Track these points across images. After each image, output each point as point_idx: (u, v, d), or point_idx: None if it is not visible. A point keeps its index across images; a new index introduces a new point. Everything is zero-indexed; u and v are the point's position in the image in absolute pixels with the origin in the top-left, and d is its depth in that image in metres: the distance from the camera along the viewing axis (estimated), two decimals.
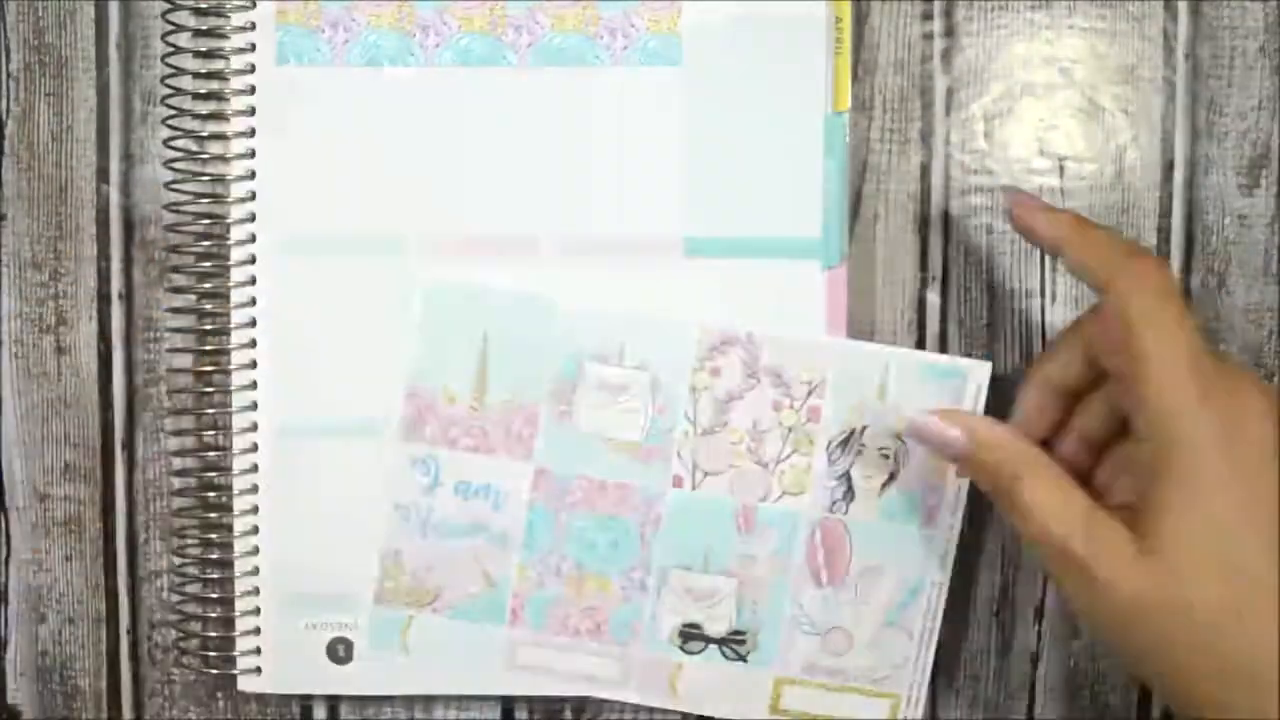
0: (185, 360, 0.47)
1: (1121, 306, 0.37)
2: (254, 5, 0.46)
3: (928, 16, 0.47)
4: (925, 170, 0.47)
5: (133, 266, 0.48)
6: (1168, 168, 0.47)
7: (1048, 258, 0.47)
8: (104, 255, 0.48)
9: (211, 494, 0.47)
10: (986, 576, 0.48)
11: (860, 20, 0.47)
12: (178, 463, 0.48)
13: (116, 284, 0.48)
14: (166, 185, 0.47)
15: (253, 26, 0.46)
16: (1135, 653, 0.37)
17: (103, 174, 0.48)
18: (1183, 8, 0.47)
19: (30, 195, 0.48)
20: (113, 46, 0.48)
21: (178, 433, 0.47)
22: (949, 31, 0.47)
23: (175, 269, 0.47)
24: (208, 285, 0.46)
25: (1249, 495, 0.36)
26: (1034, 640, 0.48)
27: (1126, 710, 0.48)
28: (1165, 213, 0.47)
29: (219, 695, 0.48)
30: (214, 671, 0.47)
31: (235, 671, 0.47)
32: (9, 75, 0.48)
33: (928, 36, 0.47)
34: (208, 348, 0.46)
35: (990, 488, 0.40)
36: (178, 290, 0.47)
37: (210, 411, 0.47)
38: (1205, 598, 0.35)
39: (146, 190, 0.48)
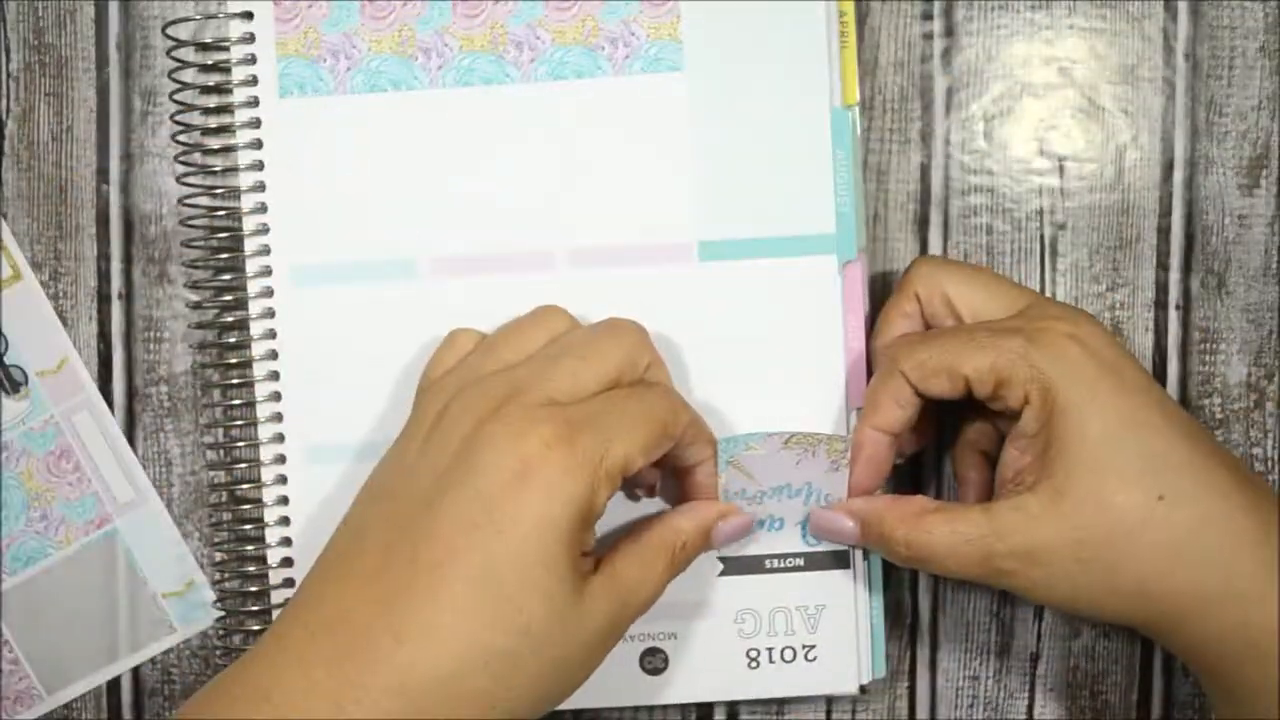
0: (209, 395, 0.47)
1: (923, 374, 0.41)
2: (253, 39, 0.46)
3: (928, 16, 0.47)
4: (925, 170, 0.47)
5: (133, 266, 0.48)
6: (1168, 168, 0.47)
7: (1048, 258, 0.47)
8: (104, 255, 0.48)
9: (247, 526, 0.46)
10: None
11: (860, 20, 0.47)
12: (212, 497, 0.48)
13: (116, 284, 0.48)
14: (183, 222, 0.47)
15: (254, 60, 0.46)
16: (1113, 601, 0.39)
17: (103, 174, 0.48)
18: (1183, 8, 0.47)
19: (30, 195, 0.48)
20: (113, 46, 0.48)
21: (211, 465, 0.47)
22: (949, 31, 0.47)
23: (197, 305, 0.47)
24: (230, 318, 0.46)
25: (1127, 401, 0.38)
26: (1034, 640, 0.48)
27: (1126, 710, 0.48)
28: (1165, 213, 0.47)
29: None
30: None
31: None
32: (9, 75, 0.48)
33: (928, 36, 0.47)
34: (233, 380, 0.46)
35: (893, 557, 0.42)
36: (201, 326, 0.47)
37: (241, 445, 0.47)
38: (1128, 498, 0.38)
39: (146, 190, 0.48)
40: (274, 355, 0.46)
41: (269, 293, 0.46)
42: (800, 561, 0.46)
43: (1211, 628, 0.38)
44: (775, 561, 0.46)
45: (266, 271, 0.46)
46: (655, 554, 0.41)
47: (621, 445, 0.38)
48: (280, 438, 0.46)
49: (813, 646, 0.46)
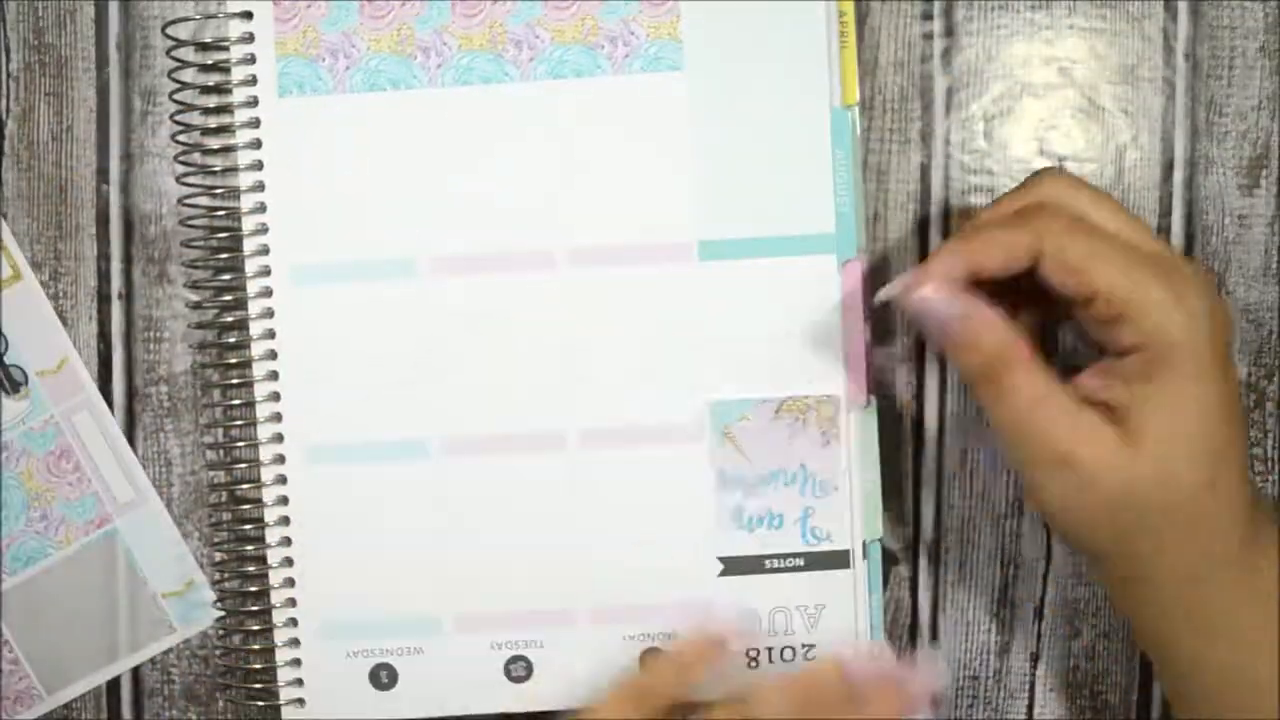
0: (209, 395, 0.47)
1: (1060, 260, 0.39)
2: (253, 39, 0.46)
3: (928, 16, 0.47)
4: (925, 170, 0.47)
5: (133, 266, 0.48)
6: (1168, 168, 0.47)
7: None
8: (104, 255, 0.48)
9: (247, 526, 0.47)
10: (986, 576, 0.48)
11: (860, 20, 0.47)
12: (212, 497, 0.48)
13: (116, 284, 0.48)
14: (182, 222, 0.47)
15: (253, 59, 0.46)
16: (1112, 538, 0.40)
17: (103, 174, 0.48)
18: (1183, 8, 0.47)
19: (30, 195, 0.48)
20: (113, 46, 0.48)
21: (211, 465, 0.47)
22: (949, 31, 0.47)
23: (197, 305, 0.47)
24: (230, 318, 0.46)
25: (1223, 386, 0.39)
26: (1034, 640, 0.48)
27: (1126, 710, 0.48)
28: (1165, 213, 0.47)
29: (218, 695, 0.48)
30: (259, 704, 0.47)
31: (280, 703, 0.47)
32: (9, 75, 0.48)
33: (928, 36, 0.47)
34: (233, 380, 0.46)
35: (975, 371, 0.40)
36: (201, 326, 0.47)
37: (240, 445, 0.47)
38: (1190, 477, 0.38)
39: (147, 190, 0.48)
40: (274, 355, 0.46)
41: (268, 292, 0.46)
42: (800, 561, 0.46)
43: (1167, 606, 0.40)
44: (775, 561, 0.46)
45: (266, 271, 0.46)
46: None
47: None
48: (280, 437, 0.46)
49: (812, 646, 0.46)
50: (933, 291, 0.39)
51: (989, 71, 0.47)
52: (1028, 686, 0.48)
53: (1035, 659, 0.48)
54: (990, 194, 0.47)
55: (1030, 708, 0.48)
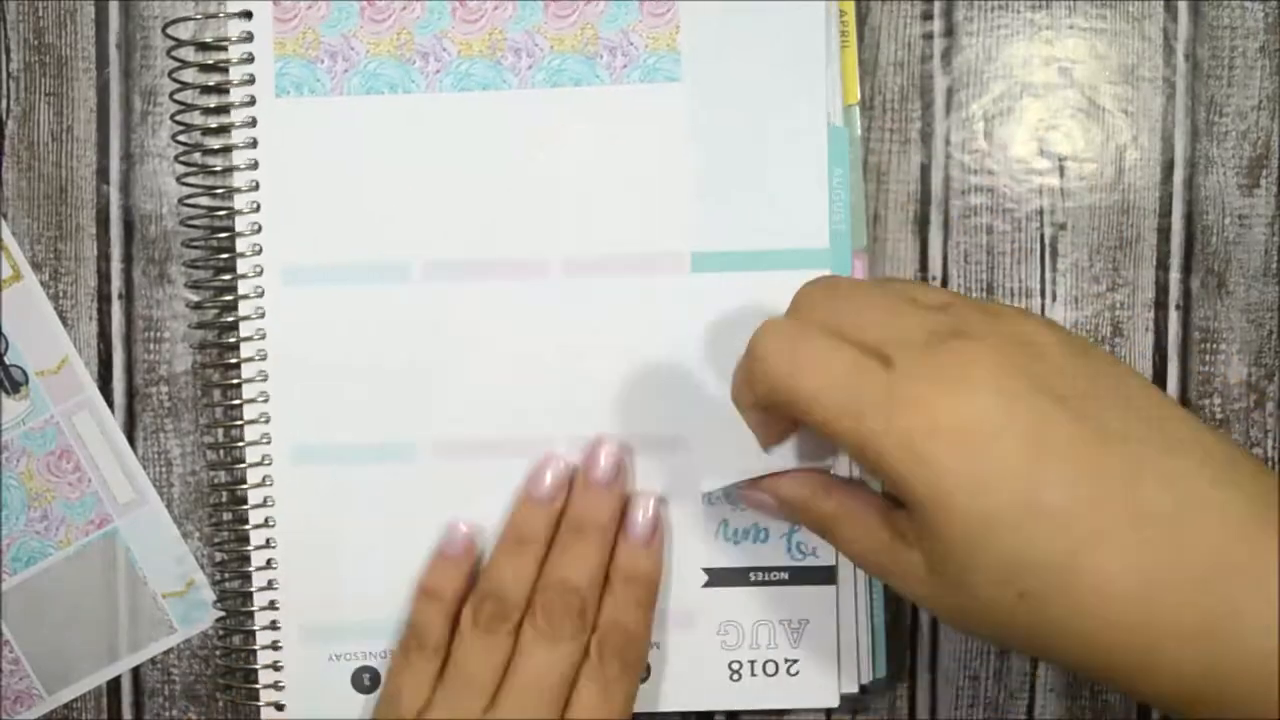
0: (210, 395, 0.47)
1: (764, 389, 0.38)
2: (252, 38, 0.46)
3: (928, 16, 0.47)
4: (925, 170, 0.47)
5: (133, 266, 0.48)
6: (1168, 168, 0.47)
7: (1047, 258, 0.47)
8: (104, 255, 0.48)
9: (246, 526, 0.47)
10: None
11: (860, 20, 0.47)
12: (212, 497, 0.48)
13: (116, 284, 0.48)
14: (183, 222, 0.47)
15: (251, 59, 0.46)
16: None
17: (103, 174, 0.48)
18: (1183, 8, 0.47)
19: (30, 195, 0.48)
20: (113, 46, 0.48)
21: (211, 465, 0.48)
22: (949, 31, 0.47)
23: (197, 305, 0.47)
24: (230, 318, 0.46)
25: (983, 502, 0.34)
26: None
27: (1127, 710, 0.48)
28: (1165, 213, 0.47)
29: (218, 695, 0.48)
30: (260, 704, 0.47)
31: (260, 704, 0.47)
32: (9, 75, 0.48)
33: (928, 36, 0.47)
34: (233, 380, 0.46)
35: (811, 529, 0.41)
36: (200, 326, 0.47)
37: (241, 445, 0.47)
38: (990, 594, 0.35)
39: (147, 190, 0.48)
40: (264, 355, 0.46)
41: (260, 292, 0.46)
42: (785, 575, 0.46)
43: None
44: (760, 574, 0.46)
45: (259, 271, 0.46)
46: None
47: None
48: (267, 438, 0.46)
49: (795, 660, 0.46)
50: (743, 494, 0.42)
51: (989, 71, 0.47)
52: (1028, 686, 0.48)
53: (1035, 659, 0.48)
54: (990, 194, 0.47)
55: (1030, 708, 0.48)
